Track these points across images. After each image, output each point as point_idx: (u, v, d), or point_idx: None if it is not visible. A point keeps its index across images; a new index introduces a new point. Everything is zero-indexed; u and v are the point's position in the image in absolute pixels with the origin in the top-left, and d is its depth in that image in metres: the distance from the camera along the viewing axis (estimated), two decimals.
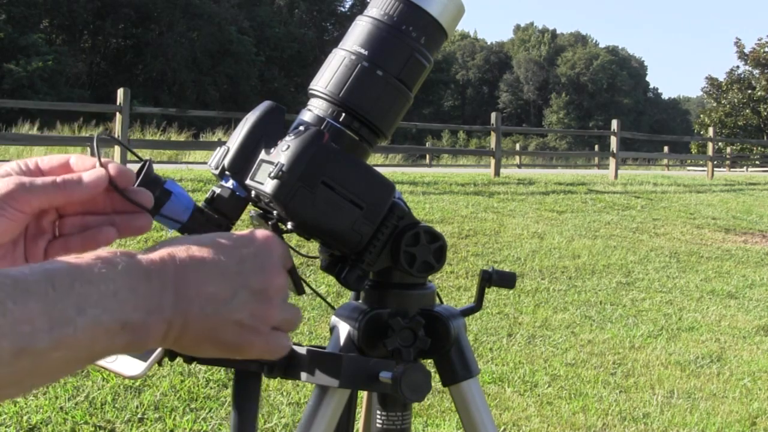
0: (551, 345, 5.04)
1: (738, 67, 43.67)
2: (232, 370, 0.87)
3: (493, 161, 13.68)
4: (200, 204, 0.86)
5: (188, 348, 0.59)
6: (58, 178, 0.66)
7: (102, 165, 0.68)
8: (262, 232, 0.64)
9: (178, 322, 0.56)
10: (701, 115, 43.73)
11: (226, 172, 0.90)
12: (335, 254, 0.93)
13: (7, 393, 0.50)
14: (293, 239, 0.95)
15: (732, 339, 5.53)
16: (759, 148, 33.77)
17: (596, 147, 39.71)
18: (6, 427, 3.11)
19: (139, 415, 3.35)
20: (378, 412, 1.01)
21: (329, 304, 1.08)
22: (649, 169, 30.43)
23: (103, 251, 0.55)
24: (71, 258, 0.53)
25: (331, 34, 57.66)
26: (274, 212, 0.89)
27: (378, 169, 0.89)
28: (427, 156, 27.72)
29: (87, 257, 0.53)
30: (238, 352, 0.61)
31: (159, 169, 9.38)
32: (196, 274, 0.57)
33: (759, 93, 41.53)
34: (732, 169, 28.97)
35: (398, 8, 0.91)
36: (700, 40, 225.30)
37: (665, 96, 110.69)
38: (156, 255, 0.57)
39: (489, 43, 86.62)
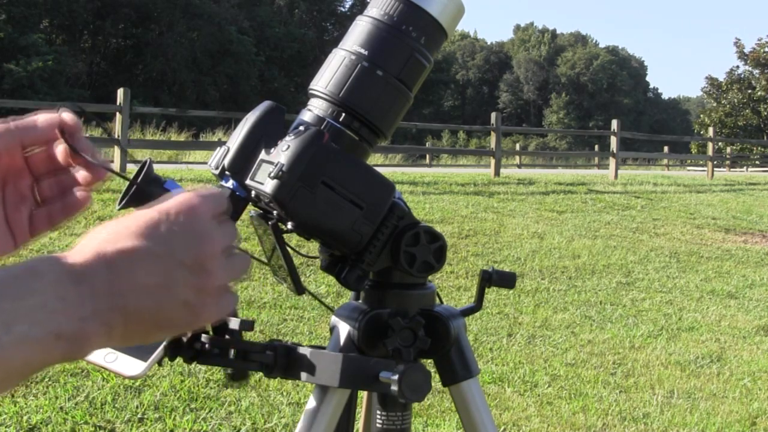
0: (551, 345, 5.04)
1: (738, 67, 43.64)
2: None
3: (493, 161, 13.68)
4: None
5: (138, 339, 0.58)
6: (12, 124, 0.67)
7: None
8: (183, 199, 0.59)
9: (118, 321, 0.54)
10: (701, 115, 43.69)
11: (226, 172, 0.90)
12: (335, 254, 0.93)
13: None
14: (293, 239, 0.95)
15: (732, 339, 5.53)
16: (759, 148, 33.75)
17: (596, 147, 39.68)
18: (6, 427, 3.11)
19: (139, 415, 3.35)
20: (378, 412, 1.01)
21: (327, 306, 1.08)
22: (649, 169, 30.41)
23: (33, 260, 0.53)
24: None
25: (331, 34, 57.63)
26: (274, 212, 0.89)
27: (378, 169, 0.89)
28: (427, 156, 27.71)
29: (15, 269, 0.52)
30: (190, 328, 0.60)
31: (159, 169, 9.37)
32: (128, 269, 0.55)
33: (759, 93, 41.50)
34: (732, 169, 28.94)
35: (398, 8, 0.91)
36: (700, 40, 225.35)
37: (665, 96, 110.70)
38: (84, 257, 0.55)
39: (489, 43, 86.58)
